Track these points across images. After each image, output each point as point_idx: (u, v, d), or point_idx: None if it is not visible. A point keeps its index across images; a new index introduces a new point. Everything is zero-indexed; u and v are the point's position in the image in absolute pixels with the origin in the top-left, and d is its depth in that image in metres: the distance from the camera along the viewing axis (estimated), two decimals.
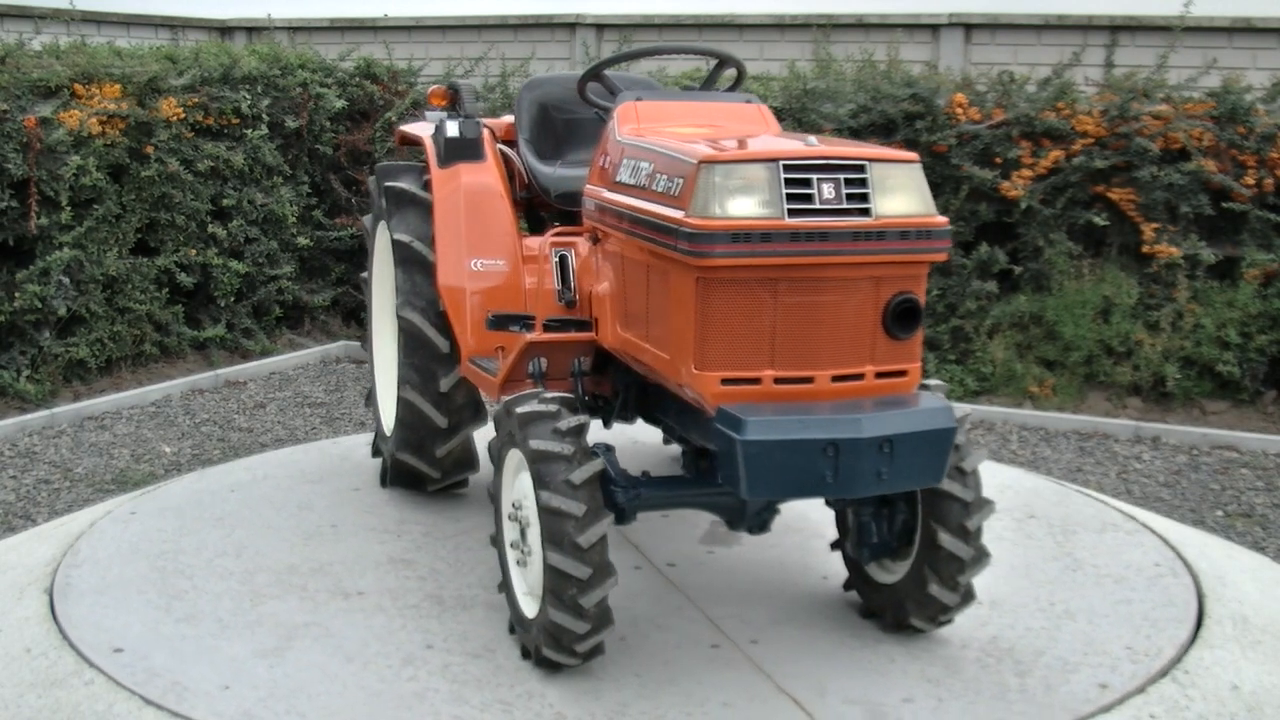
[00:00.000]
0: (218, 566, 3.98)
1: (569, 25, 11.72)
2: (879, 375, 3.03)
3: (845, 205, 2.92)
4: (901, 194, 2.98)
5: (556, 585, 3.09)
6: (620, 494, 3.43)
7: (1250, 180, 7.25)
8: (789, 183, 2.90)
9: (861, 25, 10.55)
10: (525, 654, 3.38)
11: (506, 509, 3.43)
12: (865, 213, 2.93)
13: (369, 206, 4.82)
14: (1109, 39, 8.78)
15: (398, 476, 4.62)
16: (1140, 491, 6.13)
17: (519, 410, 3.24)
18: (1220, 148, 7.35)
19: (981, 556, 3.42)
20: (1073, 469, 6.42)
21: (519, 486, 3.34)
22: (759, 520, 3.60)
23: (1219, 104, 7.45)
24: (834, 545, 3.84)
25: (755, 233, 2.87)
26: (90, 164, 7.32)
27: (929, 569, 3.39)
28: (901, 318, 3.00)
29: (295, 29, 12.73)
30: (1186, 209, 7.35)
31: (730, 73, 4.24)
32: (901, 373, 3.07)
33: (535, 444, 3.14)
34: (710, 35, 11.09)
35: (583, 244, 4.30)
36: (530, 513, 3.24)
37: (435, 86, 4.76)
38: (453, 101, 4.67)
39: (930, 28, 10.41)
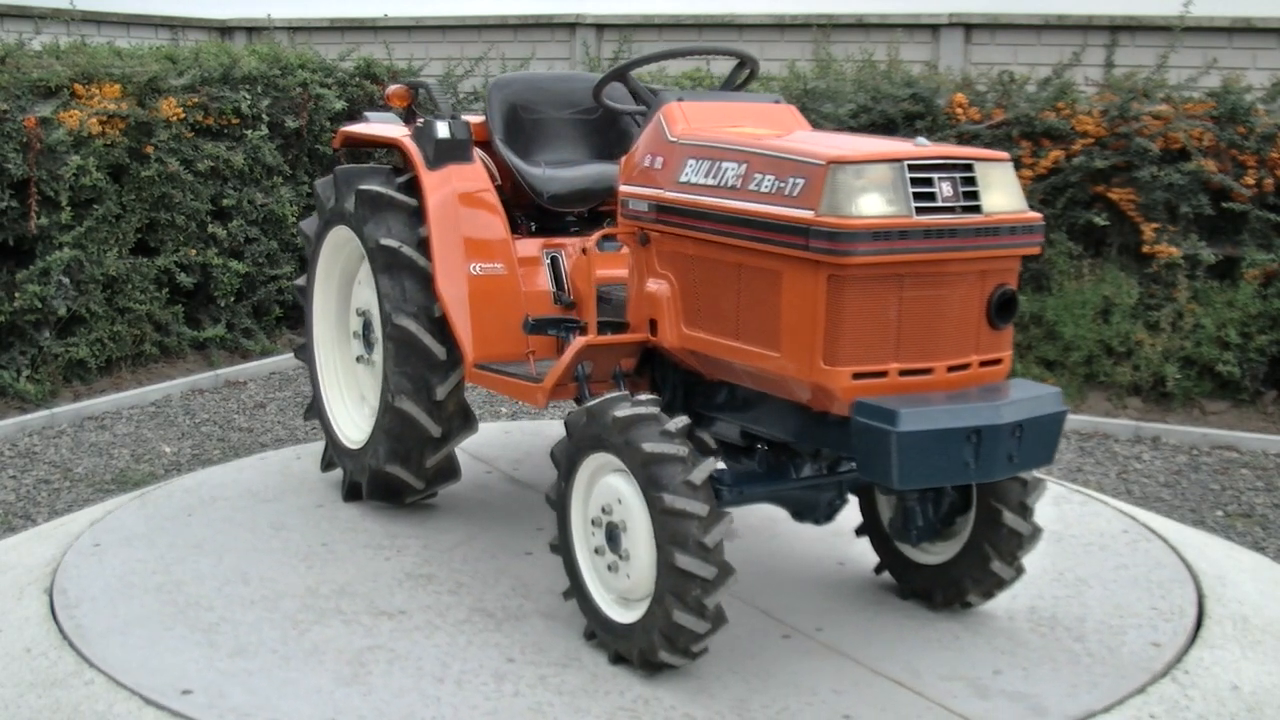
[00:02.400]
0: (232, 595, 3.82)
1: (569, 25, 11.73)
2: (982, 364, 3.20)
3: (962, 203, 3.07)
4: (1001, 191, 3.15)
5: (679, 587, 3.08)
6: (726, 492, 3.43)
7: (1250, 180, 7.24)
8: (913, 182, 3.01)
9: (861, 25, 10.56)
10: (617, 659, 3.37)
11: (588, 514, 3.41)
12: (976, 209, 3.09)
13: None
14: (1109, 39, 8.79)
15: (376, 489, 4.44)
16: (1140, 491, 6.13)
17: (617, 414, 3.20)
18: (1220, 148, 7.35)
19: (1037, 532, 3.58)
20: (1073, 469, 6.42)
21: (604, 491, 3.32)
22: (828, 511, 3.68)
23: (1219, 104, 7.45)
24: (859, 531, 3.96)
25: (894, 230, 2.97)
26: (90, 164, 7.32)
27: (989, 546, 3.55)
28: (1002, 308, 3.18)
29: (295, 29, 12.75)
30: (1186, 209, 7.35)
31: (726, 71, 4.25)
32: (998, 361, 3.24)
33: (649, 447, 3.11)
34: (710, 35, 11.10)
35: (573, 246, 4.31)
36: (628, 517, 3.23)
37: (395, 87, 4.60)
38: (412, 103, 4.56)
39: (930, 28, 10.41)
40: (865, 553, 4.10)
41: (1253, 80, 8.00)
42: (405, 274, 4.16)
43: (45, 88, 7.42)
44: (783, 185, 3.11)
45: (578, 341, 3.67)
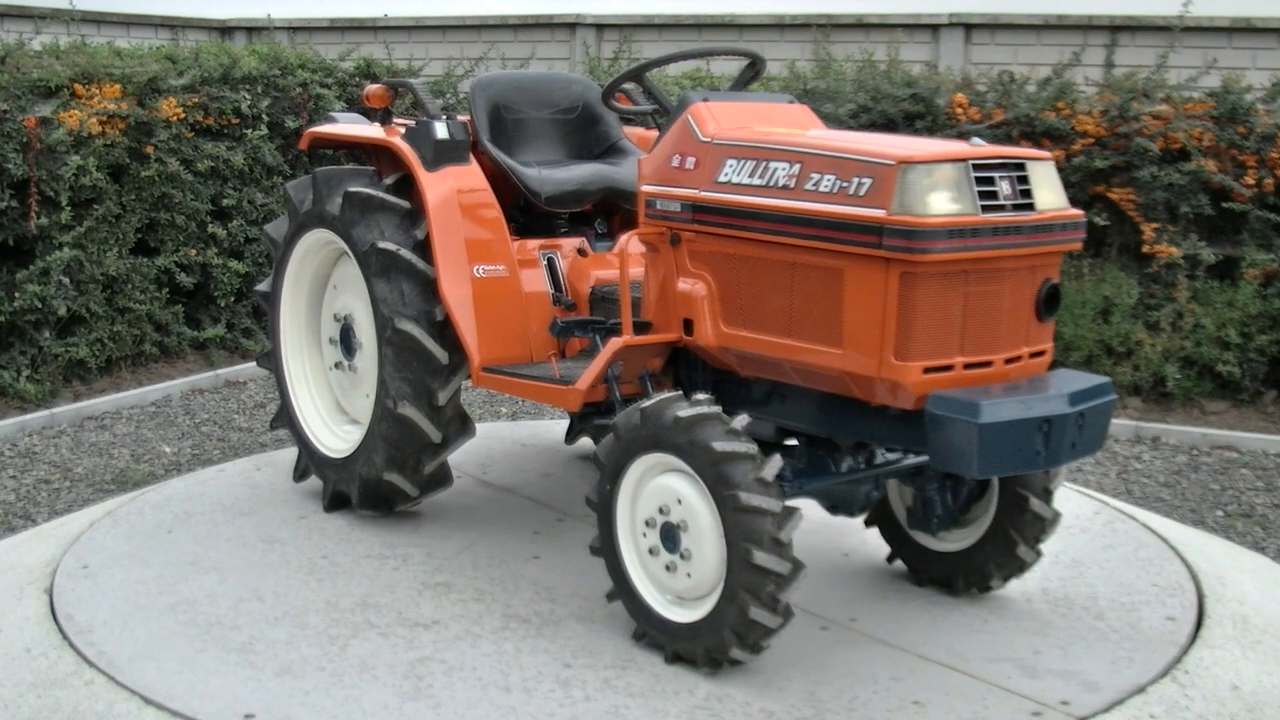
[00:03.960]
0: (253, 613, 3.71)
1: (569, 25, 11.74)
2: (1031, 355, 3.34)
3: (1019, 200, 3.20)
4: (1049, 189, 3.31)
5: (754, 583, 3.12)
6: (786, 487, 3.47)
7: (1250, 180, 7.24)
8: (976, 180, 3.12)
9: (861, 25, 10.57)
10: (675, 658, 3.38)
11: (638, 515, 3.41)
12: (1030, 207, 3.22)
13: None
14: (1109, 39, 8.78)
15: (368, 499, 4.34)
16: (1140, 491, 6.13)
17: (680, 414, 3.22)
18: (1220, 148, 7.35)
19: (1057, 516, 3.73)
20: (1073, 469, 6.41)
21: (658, 492, 3.33)
22: (864, 503, 3.75)
23: (1219, 104, 7.44)
24: (868, 522, 4.06)
25: (966, 228, 3.07)
26: (90, 164, 7.31)
27: (1015, 532, 3.70)
28: (1049, 301, 3.33)
29: (295, 29, 12.75)
30: (1186, 209, 7.35)
31: (729, 71, 4.26)
32: (1042, 352, 3.39)
33: (720, 446, 3.14)
34: (710, 35, 11.11)
35: (569, 246, 4.29)
36: (690, 516, 3.24)
37: (374, 86, 4.48)
38: (391, 104, 4.47)
39: (930, 28, 10.42)
40: (865, 543, 4.16)
41: (1253, 80, 8.00)
42: (403, 277, 4.09)
43: (45, 88, 7.41)
44: (846, 185, 3.15)
45: (615, 342, 3.66)
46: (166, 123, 7.80)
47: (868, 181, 3.11)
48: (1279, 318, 7.20)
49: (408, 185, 4.23)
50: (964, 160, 3.12)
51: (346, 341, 4.51)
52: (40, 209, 7.20)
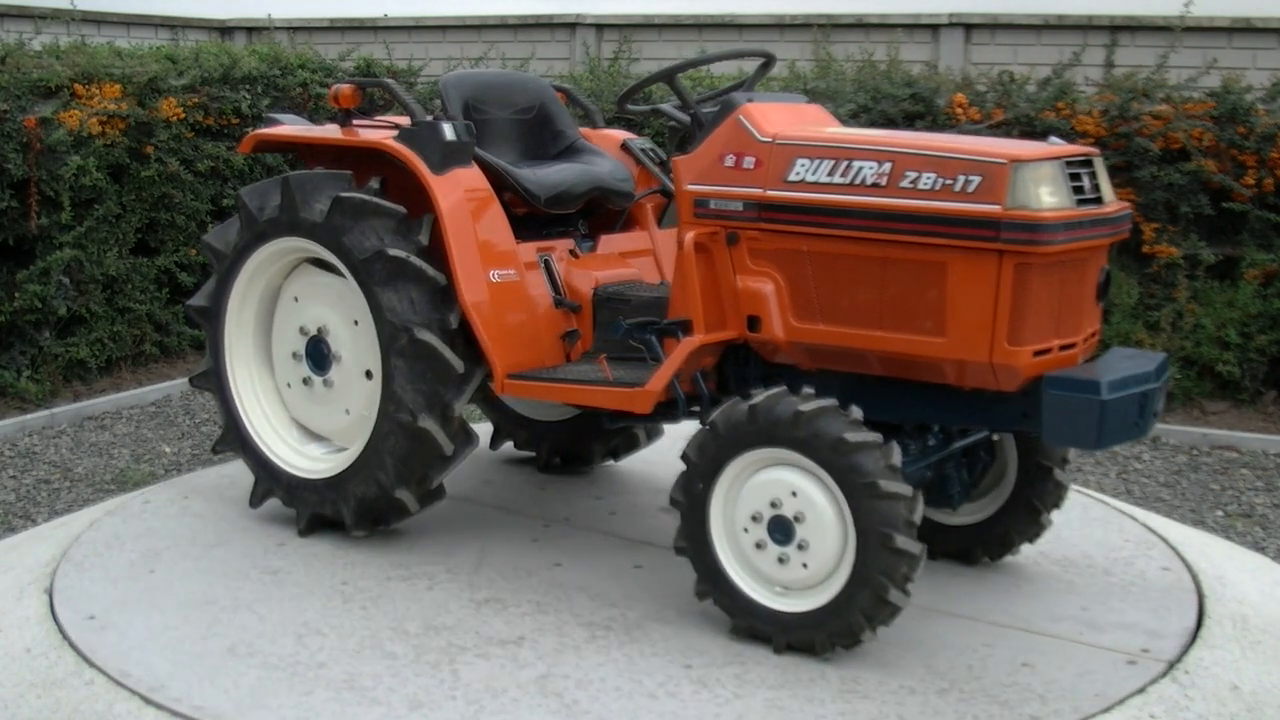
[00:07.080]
0: (325, 647, 3.48)
1: (569, 25, 11.74)
2: (1091, 336, 3.56)
3: (1093, 194, 3.42)
4: (1106, 183, 3.52)
5: (891, 566, 3.22)
6: None
7: (1250, 180, 7.24)
8: (1069, 177, 3.34)
9: (861, 25, 10.56)
10: (787, 649, 3.42)
11: (740, 511, 3.44)
12: (1099, 200, 3.43)
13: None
14: (1109, 39, 8.78)
15: (366, 517, 4.14)
16: (1140, 491, 6.13)
17: (802, 409, 3.29)
18: (1220, 148, 7.34)
19: (1070, 482, 4.03)
20: (1072, 469, 6.40)
21: (765, 486, 3.39)
22: (918, 482, 3.86)
23: (1219, 104, 7.44)
24: None
25: (1074, 221, 3.28)
26: (90, 164, 7.32)
27: (1038, 500, 3.94)
28: (1104, 286, 3.56)
29: (295, 29, 12.74)
30: (1186, 209, 7.35)
31: (728, 71, 4.25)
32: (1096, 333, 3.60)
33: (851, 436, 3.23)
34: (710, 35, 11.10)
35: (561, 248, 4.26)
36: (808, 507, 3.32)
37: (343, 86, 4.24)
38: (361, 104, 4.27)
39: (930, 28, 10.42)
40: None
41: (1253, 80, 7.99)
42: (412, 285, 3.91)
43: (45, 88, 7.42)
44: (950, 182, 3.31)
45: (690, 342, 3.68)
46: (166, 123, 7.80)
47: (976, 179, 3.26)
48: (1279, 318, 7.20)
49: (384, 188, 4.11)
50: (1060, 158, 3.32)
51: (316, 356, 4.27)
52: (40, 209, 7.20)
